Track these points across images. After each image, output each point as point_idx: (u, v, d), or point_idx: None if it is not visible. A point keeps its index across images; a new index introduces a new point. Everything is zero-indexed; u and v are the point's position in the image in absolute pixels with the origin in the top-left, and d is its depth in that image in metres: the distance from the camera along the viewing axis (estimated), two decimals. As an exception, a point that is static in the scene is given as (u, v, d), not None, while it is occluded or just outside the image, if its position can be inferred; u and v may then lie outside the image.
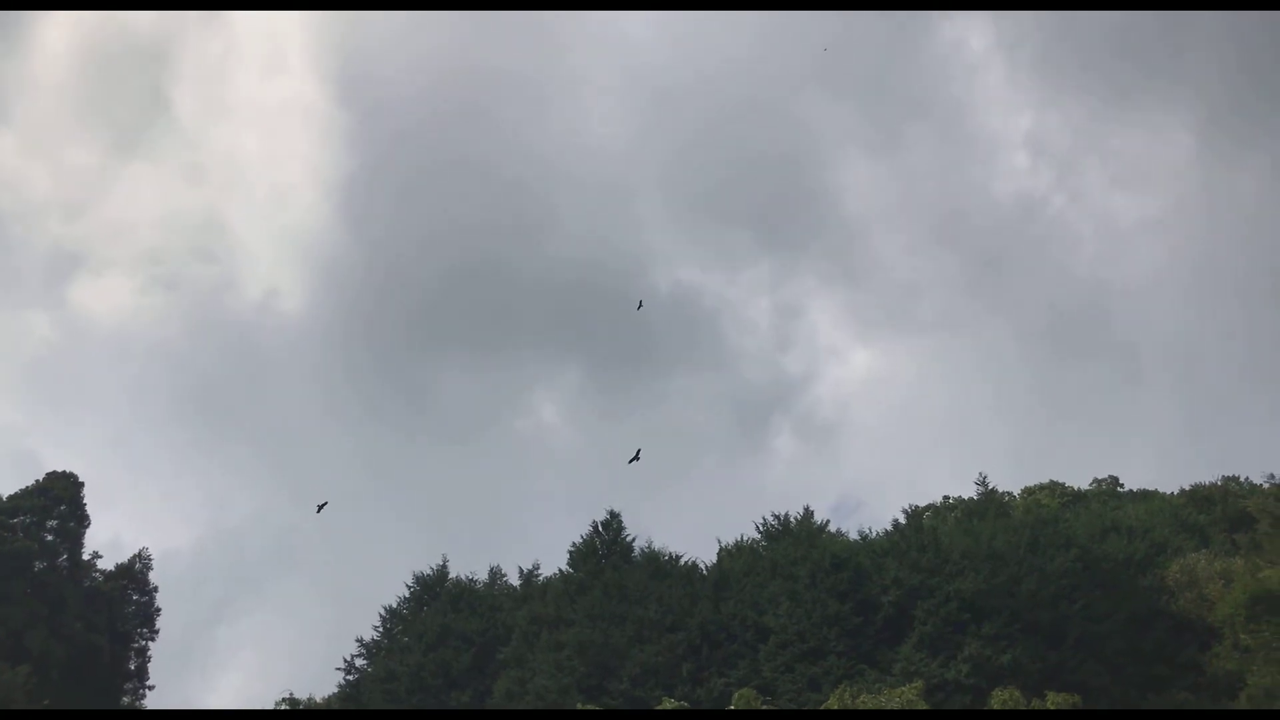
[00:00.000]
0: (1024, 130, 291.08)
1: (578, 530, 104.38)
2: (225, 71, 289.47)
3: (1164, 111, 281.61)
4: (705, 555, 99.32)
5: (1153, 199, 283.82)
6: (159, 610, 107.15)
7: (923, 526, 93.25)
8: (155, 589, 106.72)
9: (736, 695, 57.76)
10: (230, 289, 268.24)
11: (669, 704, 58.67)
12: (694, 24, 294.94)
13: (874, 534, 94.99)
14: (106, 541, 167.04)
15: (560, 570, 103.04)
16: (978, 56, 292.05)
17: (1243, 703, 68.09)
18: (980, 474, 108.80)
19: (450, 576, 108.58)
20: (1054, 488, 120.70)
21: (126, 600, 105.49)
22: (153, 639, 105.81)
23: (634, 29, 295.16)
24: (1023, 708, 58.39)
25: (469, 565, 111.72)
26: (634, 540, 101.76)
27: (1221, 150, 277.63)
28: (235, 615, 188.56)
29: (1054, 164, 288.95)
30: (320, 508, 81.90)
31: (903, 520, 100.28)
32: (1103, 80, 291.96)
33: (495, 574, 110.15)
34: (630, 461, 73.90)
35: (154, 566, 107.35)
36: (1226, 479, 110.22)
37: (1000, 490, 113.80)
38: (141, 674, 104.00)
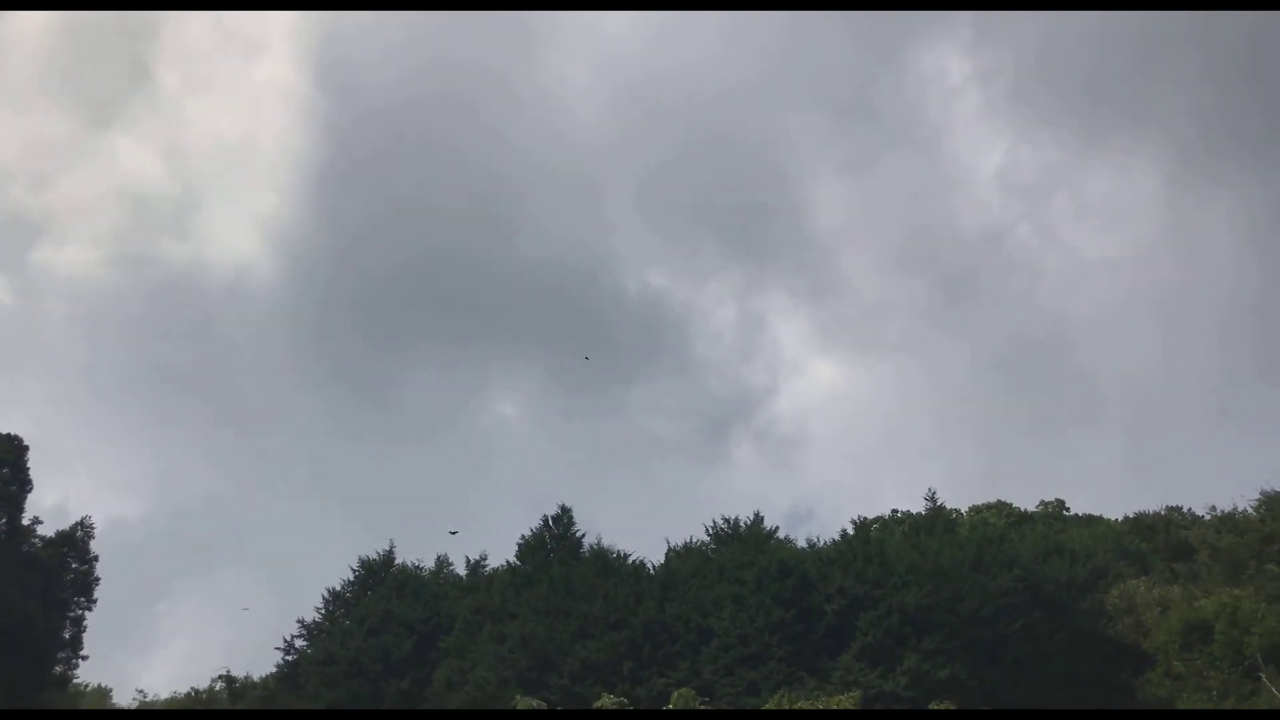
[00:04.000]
0: (995, 161, 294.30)
1: (530, 526, 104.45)
2: (207, 48, 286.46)
3: (1134, 151, 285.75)
4: (656, 556, 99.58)
5: (1117, 236, 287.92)
6: (98, 580, 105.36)
7: (870, 538, 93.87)
8: (95, 558, 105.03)
9: (675, 695, 57.91)
10: (199, 268, 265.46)
11: (608, 701, 58.70)
12: (677, 30, 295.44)
13: (822, 543, 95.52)
14: (53, 507, 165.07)
15: (508, 562, 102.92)
16: (955, 86, 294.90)
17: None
18: (929, 489, 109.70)
19: (396, 563, 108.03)
20: (1001, 508, 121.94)
21: (65, 568, 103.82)
22: (89, 609, 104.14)
23: (616, 31, 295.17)
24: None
25: (418, 554, 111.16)
26: (583, 536, 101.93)
27: (1187, 192, 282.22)
28: (180, 590, 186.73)
29: (1023, 197, 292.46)
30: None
31: (851, 531, 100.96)
32: (1076, 117, 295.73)
33: (442, 562, 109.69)
34: None
35: (97, 536, 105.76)
36: (1170, 509, 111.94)
37: (949, 507, 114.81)
38: (76, 644, 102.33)
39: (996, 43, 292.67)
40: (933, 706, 62.73)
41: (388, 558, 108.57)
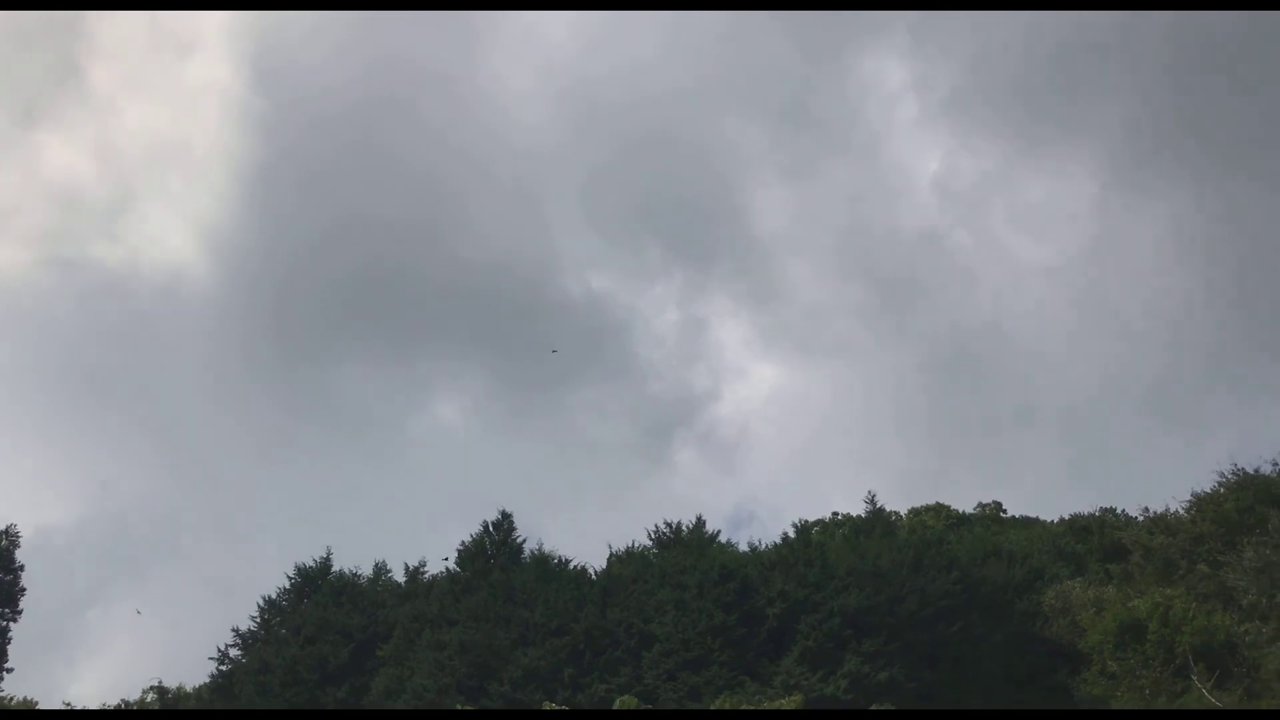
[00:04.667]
0: (933, 167, 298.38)
1: (470, 532, 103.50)
2: (139, 46, 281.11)
3: (1069, 158, 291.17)
4: (597, 561, 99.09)
5: (1053, 241, 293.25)
6: (24, 590, 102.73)
7: (811, 541, 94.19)
8: (21, 567, 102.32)
9: (618, 701, 57.65)
10: (131, 270, 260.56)
11: (549, 708, 58.32)
12: (617, 33, 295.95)
13: (763, 546, 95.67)
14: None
15: (447, 569, 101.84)
16: (893, 92, 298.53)
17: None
18: (869, 492, 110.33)
19: (334, 570, 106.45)
20: (940, 510, 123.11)
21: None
22: (14, 619, 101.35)
23: (557, 34, 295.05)
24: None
25: (356, 560, 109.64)
26: (524, 542, 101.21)
27: (1123, 198, 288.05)
28: (110, 599, 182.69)
29: (960, 202, 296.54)
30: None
31: (792, 534, 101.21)
32: (1012, 124, 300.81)
33: (380, 569, 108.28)
34: None
35: (22, 544, 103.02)
36: (1104, 510, 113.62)
37: (888, 510, 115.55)
38: (0, 655, 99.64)
39: (933, 50, 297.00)
40: (874, 708, 63.03)
41: (325, 564, 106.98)
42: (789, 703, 57.80)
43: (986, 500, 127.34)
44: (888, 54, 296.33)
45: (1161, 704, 67.90)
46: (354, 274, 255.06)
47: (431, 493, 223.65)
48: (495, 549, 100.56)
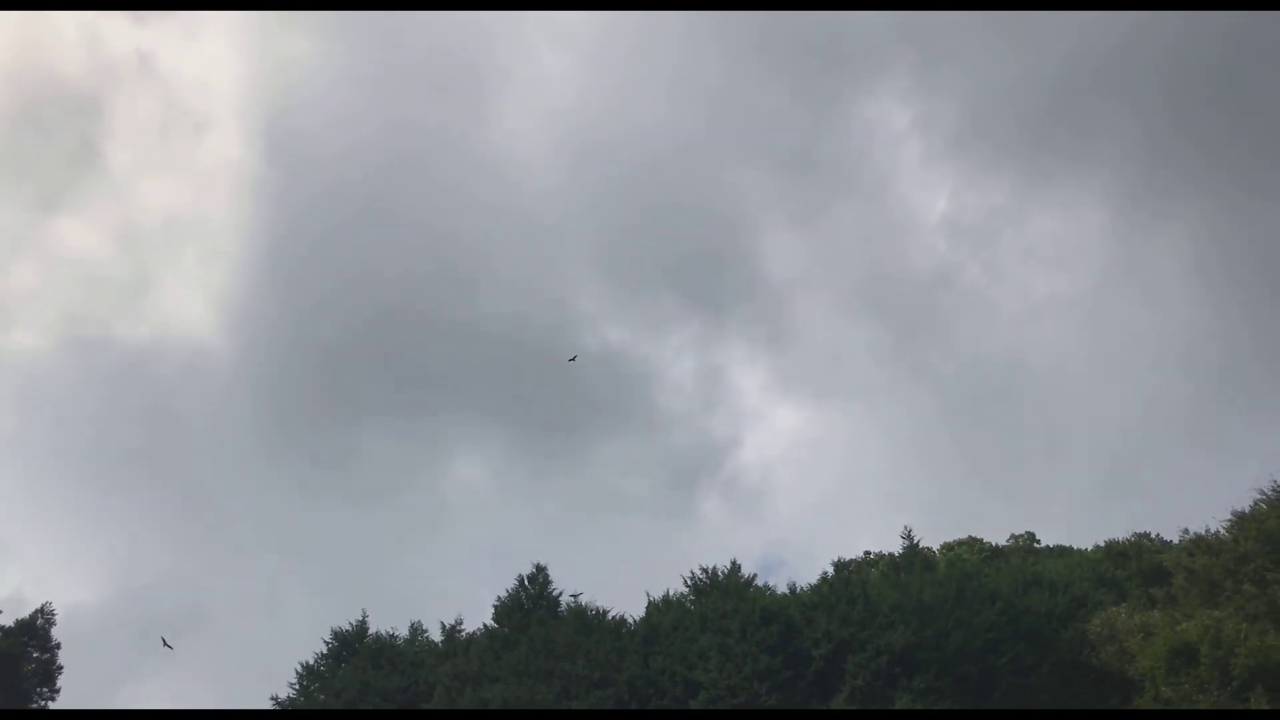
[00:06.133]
0: (941, 206, 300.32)
1: (502, 589, 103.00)
2: (154, 126, 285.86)
3: (1078, 190, 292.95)
4: (633, 613, 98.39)
5: (1067, 273, 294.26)
6: (60, 669, 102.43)
7: (851, 579, 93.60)
8: (58, 646, 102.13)
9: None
10: (154, 348, 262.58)
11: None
12: (627, 84, 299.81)
13: (801, 588, 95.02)
14: (7, 597, 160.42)
15: (485, 626, 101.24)
16: (897, 134, 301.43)
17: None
18: (905, 527, 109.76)
19: (370, 633, 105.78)
20: (973, 543, 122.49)
21: (26, 658, 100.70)
22: (53, 699, 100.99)
23: (566, 86, 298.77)
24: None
25: (390, 622, 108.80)
26: (561, 595, 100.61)
27: (1134, 227, 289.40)
28: (143, 675, 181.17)
29: (970, 238, 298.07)
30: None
31: (830, 573, 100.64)
32: (1017, 158, 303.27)
33: (416, 630, 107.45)
34: None
35: (57, 623, 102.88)
36: (1139, 535, 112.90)
37: (921, 545, 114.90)
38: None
39: (935, 90, 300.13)
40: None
41: (361, 627, 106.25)
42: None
43: (1018, 531, 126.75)
44: (889, 96, 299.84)
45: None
46: (373, 341, 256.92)
47: (460, 551, 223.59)
48: (532, 603, 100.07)
